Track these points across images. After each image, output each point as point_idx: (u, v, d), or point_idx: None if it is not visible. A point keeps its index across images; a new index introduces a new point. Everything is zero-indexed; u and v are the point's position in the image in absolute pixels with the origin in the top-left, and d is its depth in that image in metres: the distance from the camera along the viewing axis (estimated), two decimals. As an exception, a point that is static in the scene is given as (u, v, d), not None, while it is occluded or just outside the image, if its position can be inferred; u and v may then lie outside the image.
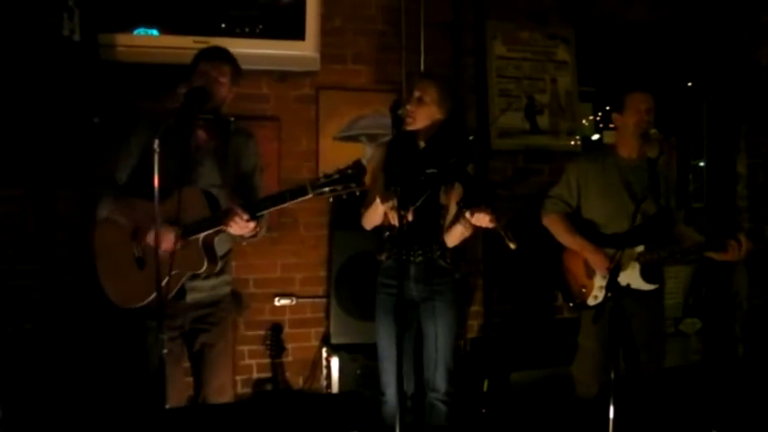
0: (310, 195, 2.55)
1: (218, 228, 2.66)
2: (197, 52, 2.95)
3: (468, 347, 4.32)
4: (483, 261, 4.45)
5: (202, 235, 2.67)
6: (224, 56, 2.91)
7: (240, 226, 2.61)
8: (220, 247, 2.84)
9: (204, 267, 2.71)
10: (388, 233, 3.04)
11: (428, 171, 2.94)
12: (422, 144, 3.02)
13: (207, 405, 2.87)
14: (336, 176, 2.49)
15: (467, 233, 2.91)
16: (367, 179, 2.59)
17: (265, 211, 2.67)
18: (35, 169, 3.66)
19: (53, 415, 3.56)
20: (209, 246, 2.73)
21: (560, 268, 3.52)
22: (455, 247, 3.06)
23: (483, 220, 2.70)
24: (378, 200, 2.88)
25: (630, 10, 4.75)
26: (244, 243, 3.04)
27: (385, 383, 3.08)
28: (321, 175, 2.54)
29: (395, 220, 2.77)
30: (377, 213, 2.97)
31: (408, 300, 2.99)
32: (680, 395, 3.53)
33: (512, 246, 2.64)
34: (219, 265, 2.85)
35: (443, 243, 3.02)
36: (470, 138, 3.16)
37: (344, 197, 2.54)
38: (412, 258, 2.97)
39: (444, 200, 3.02)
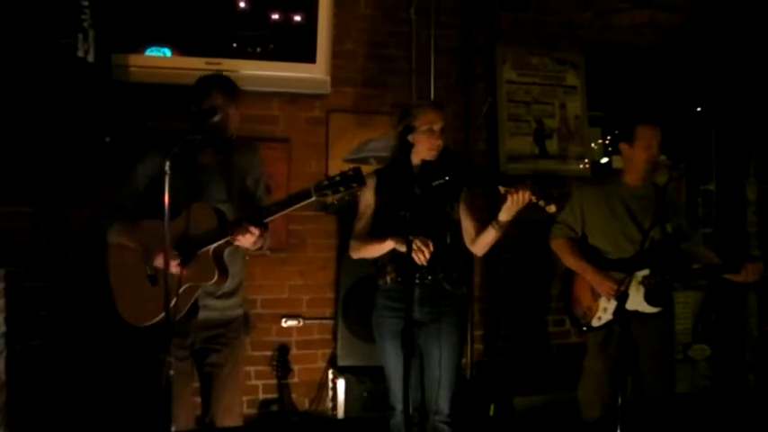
0: (314, 198, 2.61)
1: (227, 239, 2.69)
2: (208, 77, 2.97)
3: (474, 372, 4.31)
4: (488, 285, 4.45)
5: (212, 247, 2.71)
6: (235, 90, 2.95)
7: (247, 237, 2.64)
8: (232, 263, 2.86)
9: (215, 278, 2.73)
10: (389, 257, 3.04)
11: (434, 183, 2.94)
12: (416, 167, 3.02)
13: (213, 428, 2.86)
14: (338, 178, 2.57)
15: (498, 234, 2.91)
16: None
17: (272, 217, 2.70)
18: (47, 187, 3.70)
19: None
20: (219, 258, 2.76)
21: (568, 291, 3.54)
22: (460, 269, 3.07)
23: (524, 195, 2.72)
24: (389, 241, 2.88)
25: (640, 36, 4.77)
26: (247, 257, 3.05)
27: (394, 399, 3.07)
28: (324, 178, 2.63)
29: (421, 261, 2.77)
30: (380, 251, 2.98)
31: (413, 323, 2.98)
32: (688, 422, 3.51)
33: (552, 209, 2.68)
34: (229, 281, 2.87)
35: (449, 265, 3.02)
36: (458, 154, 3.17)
37: (347, 198, 2.67)
38: (417, 281, 2.97)
39: (455, 215, 3.04)
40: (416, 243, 2.77)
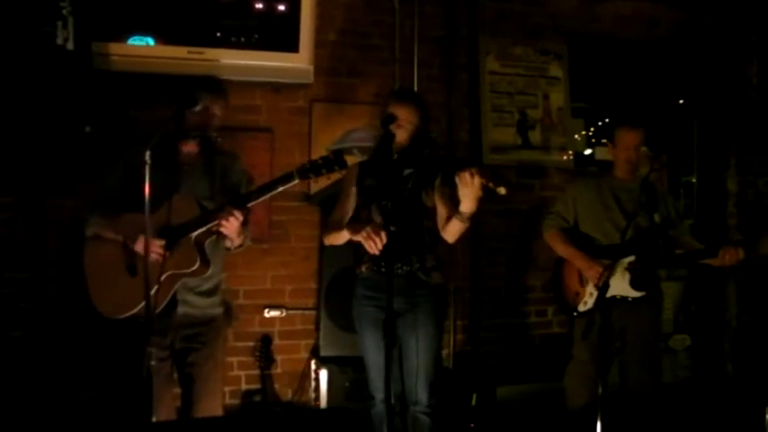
0: (296, 181, 2.68)
1: (210, 225, 2.69)
2: (196, 79, 2.98)
3: (457, 362, 4.33)
4: (471, 276, 4.46)
5: (194, 234, 2.71)
6: (223, 91, 2.98)
7: (231, 221, 2.65)
8: (212, 262, 2.84)
9: (197, 265, 2.72)
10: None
11: (405, 172, 2.95)
12: (395, 156, 3.02)
13: (193, 419, 2.86)
14: (320, 162, 2.66)
15: (463, 224, 2.89)
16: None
17: (256, 201, 2.73)
18: (26, 177, 3.66)
19: (39, 424, 3.54)
20: (200, 246, 2.76)
21: (558, 278, 3.65)
22: (436, 259, 3.08)
23: (466, 178, 2.70)
24: (345, 230, 2.95)
25: (623, 28, 4.79)
26: (232, 250, 3.03)
27: (374, 389, 3.09)
28: (306, 162, 2.71)
29: (373, 249, 2.80)
30: (340, 240, 3.03)
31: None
32: (669, 411, 3.55)
33: (502, 191, 2.65)
34: (208, 278, 2.87)
35: (424, 255, 3.03)
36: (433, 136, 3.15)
37: (328, 179, 2.75)
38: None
39: (429, 202, 3.04)
40: (367, 230, 2.81)
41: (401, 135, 2.96)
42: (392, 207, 2.70)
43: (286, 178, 2.68)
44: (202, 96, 2.86)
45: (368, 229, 2.82)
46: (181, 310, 2.86)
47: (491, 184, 2.68)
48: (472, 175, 2.69)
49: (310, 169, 2.66)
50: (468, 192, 2.74)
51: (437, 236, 3.05)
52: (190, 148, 2.92)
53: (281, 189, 2.70)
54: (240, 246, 2.92)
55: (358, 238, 2.87)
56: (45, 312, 3.67)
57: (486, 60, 4.51)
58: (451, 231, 2.97)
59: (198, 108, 2.83)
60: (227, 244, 2.91)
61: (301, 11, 3.88)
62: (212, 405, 2.97)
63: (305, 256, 4.17)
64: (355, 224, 2.97)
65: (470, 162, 2.86)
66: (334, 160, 2.66)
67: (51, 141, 3.54)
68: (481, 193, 2.74)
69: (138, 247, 2.69)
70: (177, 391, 3.02)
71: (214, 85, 2.98)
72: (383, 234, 2.78)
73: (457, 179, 2.74)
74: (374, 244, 2.79)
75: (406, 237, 2.92)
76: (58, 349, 3.67)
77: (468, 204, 2.79)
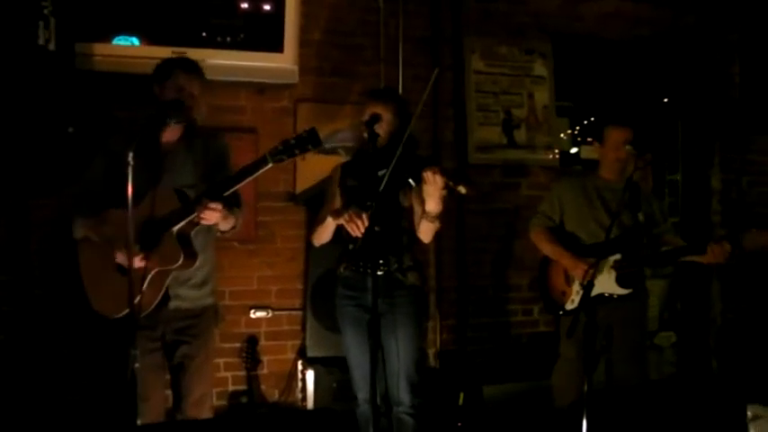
0: (270, 165, 2.58)
1: (190, 218, 2.62)
2: (171, 59, 2.96)
3: (443, 361, 4.34)
4: (457, 275, 4.46)
5: (175, 228, 2.64)
6: (199, 71, 2.93)
7: (209, 213, 2.58)
8: (202, 251, 2.81)
9: (180, 260, 2.65)
10: (351, 246, 3.05)
11: (379, 173, 2.93)
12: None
13: (179, 422, 2.84)
14: (293, 141, 2.56)
15: (432, 224, 2.89)
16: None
17: (232, 190, 2.64)
18: (8, 179, 3.62)
19: (25, 428, 3.52)
20: (184, 239, 2.69)
21: (544, 277, 3.66)
22: (413, 259, 3.08)
23: (429, 177, 2.68)
24: (329, 218, 2.94)
25: (607, 28, 4.81)
26: (223, 234, 2.94)
27: (357, 389, 3.09)
28: (278, 143, 2.60)
29: (355, 232, 2.80)
30: (327, 231, 3.02)
31: (368, 311, 2.98)
32: (655, 407, 3.57)
33: (462, 190, 2.63)
34: (199, 269, 2.84)
35: (401, 255, 3.03)
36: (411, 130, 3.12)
37: (303, 159, 2.59)
38: (369, 271, 2.97)
39: (406, 202, 3.04)
40: (349, 213, 2.82)
41: (380, 131, 2.96)
42: (374, 207, 2.69)
43: (259, 163, 2.59)
44: (175, 72, 2.82)
45: (349, 211, 2.83)
46: (172, 305, 2.81)
47: (451, 183, 2.67)
48: (434, 173, 2.68)
49: (283, 151, 2.55)
50: (432, 191, 2.73)
51: (414, 236, 3.05)
52: (170, 134, 2.86)
53: (255, 175, 2.61)
54: (233, 227, 2.85)
55: (340, 221, 2.87)
56: (28, 316, 3.64)
57: (471, 60, 4.52)
58: (423, 231, 2.97)
59: (170, 82, 2.78)
60: (218, 228, 2.83)
61: (286, 10, 3.87)
62: (203, 398, 2.94)
63: (291, 257, 4.16)
64: (338, 209, 2.98)
65: (434, 161, 2.85)
66: (308, 138, 2.55)
67: (34, 142, 3.51)
68: (444, 192, 2.73)
69: (121, 259, 2.67)
70: (168, 392, 2.99)
71: (187, 64, 2.91)
72: (365, 216, 2.77)
73: (423, 174, 2.72)
74: (356, 226, 2.79)
75: (383, 237, 2.92)
76: (41, 353, 3.64)
77: (432, 204, 2.79)
